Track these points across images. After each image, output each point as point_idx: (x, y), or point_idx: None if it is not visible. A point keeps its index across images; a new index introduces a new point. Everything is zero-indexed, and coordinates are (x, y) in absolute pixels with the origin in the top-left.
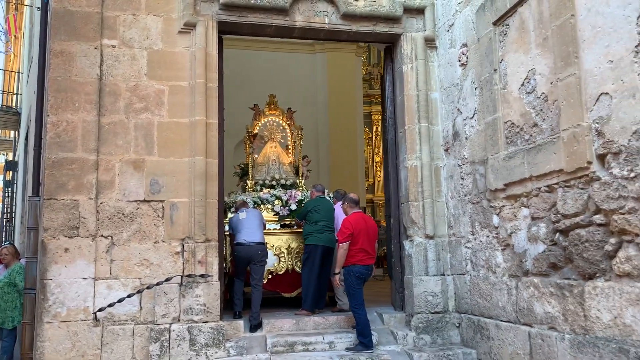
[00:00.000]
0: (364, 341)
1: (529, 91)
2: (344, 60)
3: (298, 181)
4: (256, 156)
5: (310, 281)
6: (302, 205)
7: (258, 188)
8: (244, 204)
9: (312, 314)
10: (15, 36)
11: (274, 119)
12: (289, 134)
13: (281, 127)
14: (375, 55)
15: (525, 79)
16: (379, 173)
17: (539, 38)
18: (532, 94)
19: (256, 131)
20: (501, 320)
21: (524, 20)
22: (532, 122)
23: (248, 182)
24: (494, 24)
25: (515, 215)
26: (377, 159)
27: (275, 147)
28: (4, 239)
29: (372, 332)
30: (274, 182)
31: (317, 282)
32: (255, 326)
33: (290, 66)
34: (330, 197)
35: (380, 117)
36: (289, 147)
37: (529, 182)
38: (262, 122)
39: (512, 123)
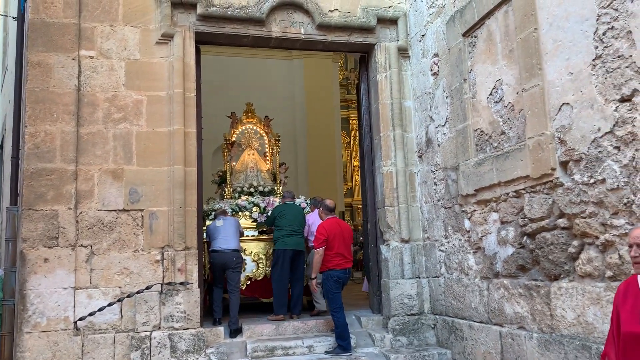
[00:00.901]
0: (343, 344)
1: (496, 100)
2: (321, 66)
3: (276, 188)
4: (234, 163)
5: (280, 285)
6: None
7: (236, 195)
8: (224, 212)
9: (285, 318)
10: None
11: (251, 127)
12: (266, 142)
13: (259, 135)
14: (352, 61)
15: (493, 88)
16: (357, 177)
17: (505, 50)
18: (499, 103)
19: (234, 139)
20: (474, 321)
21: (491, 32)
22: (500, 130)
23: (226, 189)
24: (464, 35)
25: (485, 220)
26: (356, 163)
27: (253, 154)
28: None
29: (351, 334)
30: (252, 189)
31: (293, 286)
32: (234, 331)
33: (267, 72)
34: (307, 203)
35: (357, 122)
36: (267, 154)
37: (498, 188)
38: (240, 129)
39: (482, 131)
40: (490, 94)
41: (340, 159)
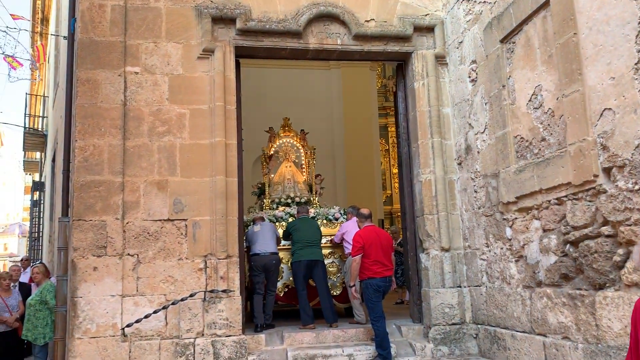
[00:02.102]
0: (383, 353)
1: (536, 106)
2: (359, 75)
3: (312, 198)
4: (272, 175)
5: (301, 296)
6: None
7: (274, 206)
8: (261, 218)
9: (315, 327)
10: (40, 61)
11: (288, 140)
12: (302, 154)
13: (295, 148)
14: (390, 68)
15: (532, 94)
16: (396, 185)
17: (544, 55)
18: (539, 109)
19: (272, 152)
20: (517, 331)
21: (529, 38)
22: (540, 136)
23: (265, 200)
24: (501, 41)
25: (527, 227)
26: (395, 170)
27: (290, 166)
28: (32, 257)
29: (391, 344)
30: (289, 200)
31: (321, 297)
32: (268, 325)
33: (305, 83)
34: (341, 213)
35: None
36: (303, 166)
37: (539, 195)
38: (277, 143)
39: (522, 137)
40: (530, 100)
41: (379, 167)
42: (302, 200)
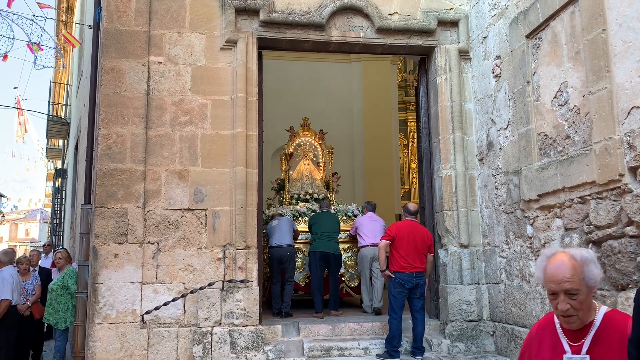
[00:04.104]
0: (388, 349)
1: (561, 103)
2: (380, 69)
3: (329, 195)
4: (291, 172)
5: (315, 285)
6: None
7: (294, 201)
8: (279, 214)
9: (323, 315)
10: (64, 49)
11: (307, 139)
12: (320, 153)
13: (313, 147)
14: (411, 63)
15: (557, 91)
16: (414, 180)
17: (571, 51)
18: (564, 106)
19: (291, 151)
20: None
21: (556, 33)
22: (564, 134)
23: (285, 195)
24: (527, 37)
25: (548, 226)
26: (413, 165)
27: (308, 164)
28: (55, 243)
29: (406, 339)
30: (307, 196)
31: (330, 284)
32: (286, 314)
33: (325, 75)
34: (359, 210)
35: (416, 124)
36: (320, 164)
37: (562, 193)
38: (297, 142)
39: (545, 134)
40: (555, 97)
41: (398, 162)
42: (320, 196)
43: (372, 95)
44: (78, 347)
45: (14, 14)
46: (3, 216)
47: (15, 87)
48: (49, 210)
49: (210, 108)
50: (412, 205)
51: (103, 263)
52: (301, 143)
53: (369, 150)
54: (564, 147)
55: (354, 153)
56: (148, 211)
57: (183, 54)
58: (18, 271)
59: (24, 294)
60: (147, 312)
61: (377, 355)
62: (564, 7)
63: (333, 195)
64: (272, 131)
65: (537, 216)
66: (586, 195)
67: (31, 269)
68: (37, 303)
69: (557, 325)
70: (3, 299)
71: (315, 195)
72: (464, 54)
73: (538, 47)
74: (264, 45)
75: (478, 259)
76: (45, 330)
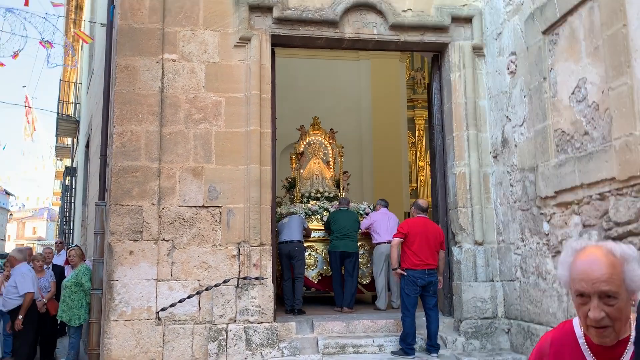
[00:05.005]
0: (403, 347)
1: (579, 100)
2: (388, 66)
3: (339, 194)
4: (301, 171)
5: (335, 282)
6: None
7: (305, 200)
8: (289, 213)
9: (341, 310)
10: (74, 48)
11: (317, 138)
12: (330, 152)
13: (323, 146)
14: (419, 60)
15: (575, 87)
16: (422, 178)
17: (589, 47)
18: (582, 102)
19: (302, 149)
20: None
21: (574, 29)
22: (583, 130)
23: (295, 194)
24: (544, 33)
25: (566, 223)
26: (421, 163)
27: (318, 163)
28: (65, 241)
29: (420, 337)
30: (318, 195)
31: (346, 283)
32: (299, 311)
33: (334, 73)
34: (370, 208)
35: (424, 122)
36: (330, 163)
37: (580, 190)
38: (307, 140)
39: (563, 131)
40: (573, 93)
41: (407, 160)
42: (331, 195)
43: (380, 92)
44: (93, 344)
45: (27, 12)
46: (11, 214)
47: (24, 86)
48: (56, 208)
49: (224, 105)
50: (423, 202)
51: (118, 260)
52: (311, 142)
53: (377, 147)
54: (582, 144)
55: (362, 151)
56: (163, 208)
57: (197, 52)
58: (33, 268)
59: (39, 291)
60: (162, 309)
61: (392, 352)
62: (582, 3)
63: (343, 194)
64: (280, 129)
65: (554, 213)
66: (605, 192)
67: (45, 266)
68: (52, 300)
69: (581, 340)
70: (27, 292)
71: (326, 194)
72: (478, 51)
73: (555, 43)
74: (277, 42)
75: (492, 256)
76: (58, 326)
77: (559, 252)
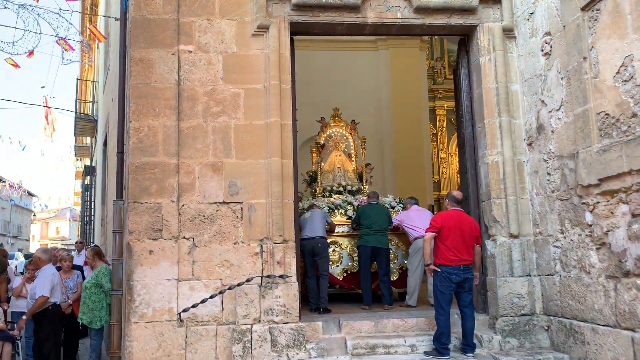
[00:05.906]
0: (437, 347)
1: (625, 79)
2: (408, 56)
3: (362, 187)
4: (323, 164)
5: (364, 278)
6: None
7: (327, 194)
8: (312, 206)
9: (371, 308)
10: (90, 46)
11: (338, 130)
12: (351, 144)
13: (345, 137)
14: (439, 49)
15: (621, 66)
16: (444, 170)
17: (636, 22)
18: (629, 82)
19: (322, 142)
20: (598, 324)
21: (618, 3)
22: (630, 112)
23: (317, 188)
24: (582, 9)
25: (612, 212)
26: (443, 155)
27: (339, 155)
28: (86, 241)
29: (454, 335)
30: (340, 189)
31: (381, 281)
32: (324, 310)
33: (352, 64)
34: (396, 202)
35: (445, 113)
36: (352, 155)
37: (628, 177)
38: (328, 132)
39: (607, 114)
40: (618, 73)
41: (429, 152)
42: (354, 188)
43: (400, 82)
44: (115, 347)
45: (40, 8)
46: (34, 215)
47: (42, 87)
48: (79, 208)
49: (243, 97)
50: (458, 193)
51: (138, 260)
52: (332, 134)
53: (398, 139)
54: (630, 127)
55: (382, 143)
56: (182, 205)
57: (213, 42)
58: (61, 268)
59: (65, 291)
60: (184, 310)
61: (425, 352)
62: None
63: (366, 187)
64: (300, 122)
65: (598, 202)
66: None
67: None
68: (78, 301)
69: None
70: (41, 295)
71: (349, 187)
72: (508, 33)
73: (596, 20)
74: (296, 30)
75: (529, 249)
76: (80, 328)
77: (604, 244)
